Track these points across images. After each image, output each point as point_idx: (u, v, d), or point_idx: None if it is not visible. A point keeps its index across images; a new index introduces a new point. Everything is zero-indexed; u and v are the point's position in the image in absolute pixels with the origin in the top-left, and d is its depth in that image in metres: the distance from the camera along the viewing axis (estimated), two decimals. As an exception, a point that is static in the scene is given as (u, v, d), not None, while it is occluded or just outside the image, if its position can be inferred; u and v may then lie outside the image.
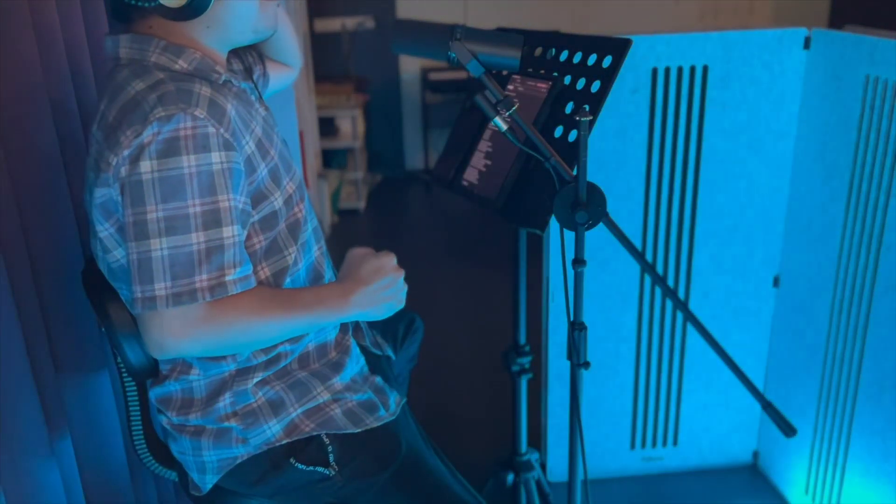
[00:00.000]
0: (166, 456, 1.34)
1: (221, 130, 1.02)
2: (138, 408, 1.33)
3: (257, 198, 1.10)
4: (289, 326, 1.10)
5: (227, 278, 1.01)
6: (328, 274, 1.29)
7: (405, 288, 1.20)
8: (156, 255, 0.98)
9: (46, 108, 1.23)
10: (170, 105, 0.99)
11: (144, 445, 1.35)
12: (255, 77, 1.36)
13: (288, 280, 1.18)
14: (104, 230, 1.08)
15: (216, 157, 1.00)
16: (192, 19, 1.06)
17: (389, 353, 1.45)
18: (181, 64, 1.08)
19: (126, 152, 0.99)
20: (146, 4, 1.05)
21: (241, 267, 1.03)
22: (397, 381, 1.43)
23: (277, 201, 1.13)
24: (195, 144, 0.99)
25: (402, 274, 1.19)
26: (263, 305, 1.06)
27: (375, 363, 1.37)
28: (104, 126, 1.05)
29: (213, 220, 1.00)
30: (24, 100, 1.18)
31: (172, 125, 0.98)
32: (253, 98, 1.21)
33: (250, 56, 1.36)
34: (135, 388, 1.32)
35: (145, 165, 0.98)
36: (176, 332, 1.00)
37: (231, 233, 1.02)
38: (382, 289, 1.16)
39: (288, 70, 1.47)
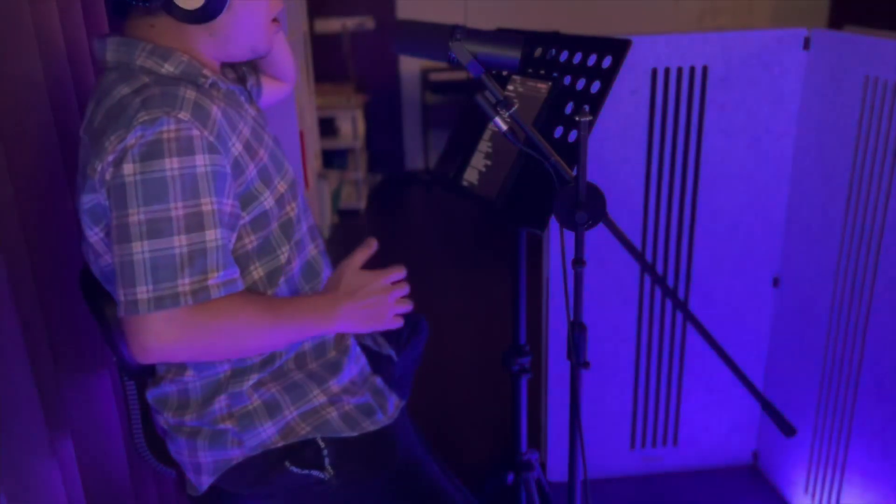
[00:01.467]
0: (166, 454, 1.34)
1: (206, 133, 1.01)
2: (138, 405, 1.33)
3: (247, 199, 1.10)
4: (275, 335, 1.10)
5: (210, 282, 1.01)
6: (326, 273, 1.29)
7: (392, 307, 1.21)
8: (137, 258, 0.98)
9: (46, 108, 1.23)
10: (153, 109, 0.99)
11: (144, 443, 1.35)
12: (248, 84, 1.36)
13: (282, 279, 1.18)
14: (94, 235, 1.08)
15: (200, 159, 1.00)
16: (200, 24, 1.06)
17: (390, 352, 1.45)
18: (167, 67, 1.08)
19: (110, 157, 0.99)
20: (154, 3, 1.05)
21: (224, 270, 1.02)
22: (399, 383, 1.43)
23: (268, 201, 1.13)
24: (178, 147, 0.98)
25: (389, 293, 1.20)
26: (250, 311, 1.06)
27: (377, 362, 1.37)
28: (91, 130, 1.05)
29: (195, 223, 1.00)
30: (24, 100, 1.18)
31: (156, 128, 0.98)
32: (242, 99, 1.21)
33: (243, 66, 1.36)
34: (135, 385, 1.32)
35: (128, 168, 0.98)
36: (159, 337, 0.99)
37: (214, 236, 1.01)
38: (368, 306, 1.17)
39: (281, 84, 1.47)
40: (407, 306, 1.23)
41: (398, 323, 1.22)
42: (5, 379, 1.10)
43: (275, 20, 1.17)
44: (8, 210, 1.14)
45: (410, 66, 5.12)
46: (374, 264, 1.22)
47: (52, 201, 1.27)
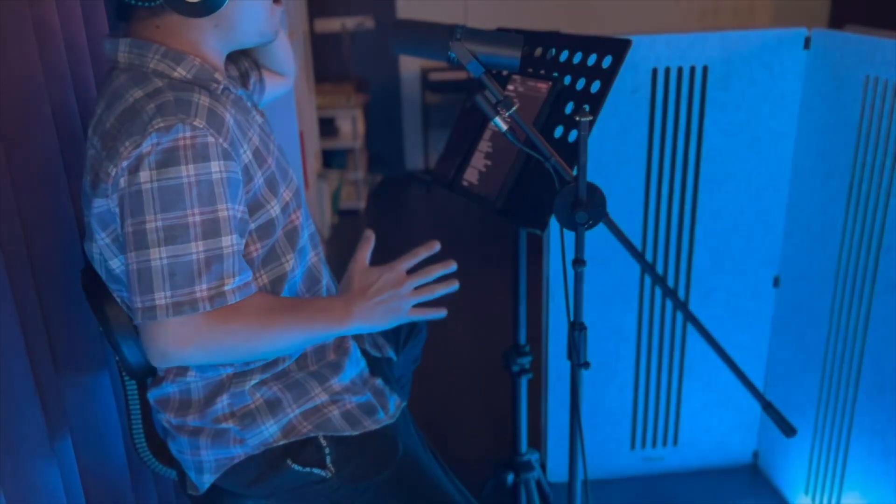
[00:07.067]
0: (166, 455, 1.34)
1: (220, 140, 1.02)
2: (138, 406, 1.33)
3: (254, 206, 1.10)
4: (291, 336, 1.10)
5: (227, 287, 1.01)
6: (325, 280, 1.29)
7: (408, 299, 1.15)
8: (155, 264, 0.98)
9: (46, 109, 1.23)
10: (169, 115, 0.99)
11: (144, 444, 1.35)
12: (251, 83, 1.36)
13: (285, 287, 1.18)
14: (101, 239, 1.09)
15: (215, 166, 1.01)
16: (206, 16, 1.06)
17: (391, 354, 1.45)
18: (180, 71, 1.08)
19: (125, 163, 0.99)
20: (157, 2, 1.04)
21: (240, 276, 1.03)
22: (399, 383, 1.43)
23: (274, 209, 1.13)
24: (194, 154, 0.99)
25: (402, 284, 1.14)
26: (266, 314, 1.06)
27: (376, 365, 1.37)
28: (101, 132, 1.05)
29: (212, 229, 1.00)
30: (24, 100, 1.18)
31: (172, 135, 0.98)
32: (249, 105, 1.21)
33: (245, 62, 1.36)
34: (135, 386, 1.32)
35: (144, 175, 0.98)
36: (178, 342, 1.00)
37: (230, 242, 1.02)
38: (382, 302, 1.14)
39: (282, 79, 1.46)
40: (427, 293, 1.16)
41: (422, 314, 1.16)
42: (5, 379, 1.10)
43: (277, 1, 1.17)
44: (8, 210, 1.14)
45: (410, 66, 5.12)
46: (374, 264, 1.21)
47: (52, 201, 1.26)
